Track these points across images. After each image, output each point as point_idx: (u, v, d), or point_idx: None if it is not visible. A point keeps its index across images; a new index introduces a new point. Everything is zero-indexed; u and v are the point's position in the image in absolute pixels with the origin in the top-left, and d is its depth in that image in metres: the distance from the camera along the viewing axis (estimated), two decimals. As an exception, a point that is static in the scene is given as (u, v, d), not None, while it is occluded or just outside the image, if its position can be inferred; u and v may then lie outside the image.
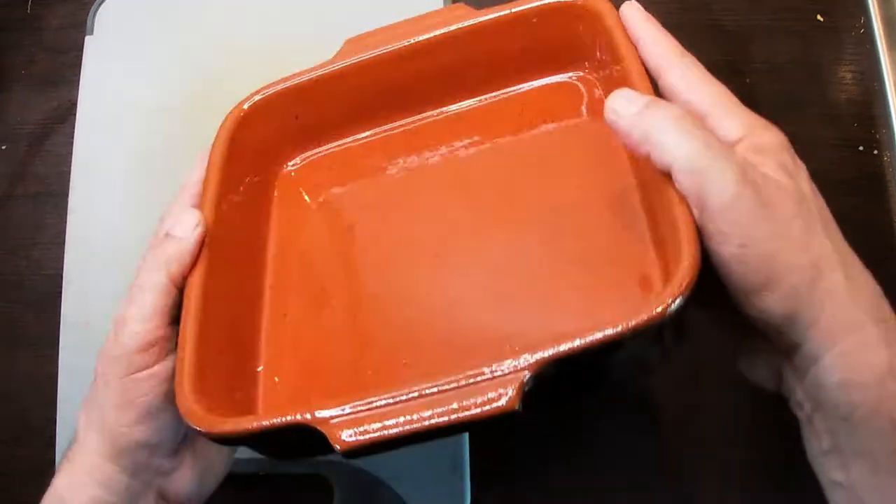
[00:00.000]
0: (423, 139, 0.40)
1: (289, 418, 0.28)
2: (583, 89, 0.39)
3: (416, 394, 0.27)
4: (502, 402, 0.25)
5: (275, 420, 0.28)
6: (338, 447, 0.27)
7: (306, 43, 0.51)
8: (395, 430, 0.26)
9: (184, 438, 0.33)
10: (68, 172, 0.50)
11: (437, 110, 0.40)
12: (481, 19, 0.37)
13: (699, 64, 0.31)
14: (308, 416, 0.27)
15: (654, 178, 0.29)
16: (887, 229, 0.48)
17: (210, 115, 0.50)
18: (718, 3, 0.52)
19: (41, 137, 0.52)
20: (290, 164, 0.42)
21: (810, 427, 0.27)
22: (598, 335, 0.26)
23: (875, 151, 0.49)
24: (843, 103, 0.50)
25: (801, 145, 0.51)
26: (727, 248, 0.26)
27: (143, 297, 0.32)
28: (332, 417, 0.27)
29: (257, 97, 0.39)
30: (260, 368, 0.36)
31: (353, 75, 0.39)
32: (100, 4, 0.53)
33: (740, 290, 0.26)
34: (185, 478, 0.33)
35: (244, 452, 0.45)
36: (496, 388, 0.26)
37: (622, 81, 0.33)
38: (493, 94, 0.40)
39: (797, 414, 0.28)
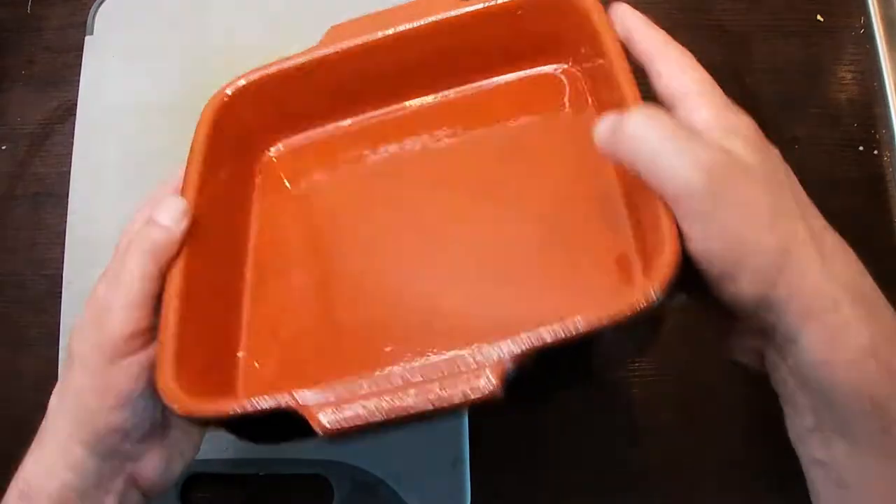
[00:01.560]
0: (405, 127, 0.40)
1: (271, 403, 0.28)
2: (566, 82, 0.39)
3: (399, 379, 0.28)
4: (485, 388, 0.26)
5: (257, 404, 0.28)
6: (319, 432, 0.26)
7: (306, 43, 0.51)
8: (377, 416, 0.26)
9: (154, 424, 0.33)
10: (68, 172, 0.50)
11: (420, 99, 0.41)
12: (466, 10, 0.37)
13: (685, 52, 0.31)
14: (290, 400, 0.28)
15: (633, 178, 0.30)
16: (887, 229, 0.48)
17: (210, 115, 0.50)
18: (718, 3, 0.52)
19: (41, 137, 0.52)
20: (271, 150, 0.42)
21: (793, 405, 0.27)
22: (581, 326, 0.26)
23: (875, 151, 0.49)
24: (843, 103, 0.50)
25: (801, 145, 0.51)
26: (691, 235, 0.26)
27: (131, 284, 0.32)
28: (314, 402, 0.27)
29: (240, 82, 0.39)
30: (241, 354, 0.37)
31: (336, 63, 0.38)
32: (100, 4, 0.53)
33: (710, 276, 0.26)
34: (153, 462, 0.33)
35: (243, 453, 0.45)
36: (479, 374, 0.26)
37: (606, 77, 0.33)
38: (477, 83, 0.40)
39: (780, 391, 0.27)
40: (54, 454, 0.32)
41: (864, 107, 0.50)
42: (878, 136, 0.50)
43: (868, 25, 0.51)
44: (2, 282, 0.50)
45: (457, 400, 0.26)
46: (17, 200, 0.52)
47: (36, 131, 0.52)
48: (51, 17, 0.55)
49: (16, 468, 0.48)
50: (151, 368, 0.31)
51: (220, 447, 0.45)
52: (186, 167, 0.36)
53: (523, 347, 0.26)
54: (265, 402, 0.28)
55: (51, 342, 0.47)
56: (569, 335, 0.26)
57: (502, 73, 0.40)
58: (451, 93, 0.40)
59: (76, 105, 0.51)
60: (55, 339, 0.47)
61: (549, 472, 0.45)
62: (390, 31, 0.37)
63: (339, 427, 0.26)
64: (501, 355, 0.26)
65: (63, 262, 0.48)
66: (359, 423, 0.26)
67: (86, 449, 0.31)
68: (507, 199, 0.37)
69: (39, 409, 0.47)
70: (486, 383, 0.26)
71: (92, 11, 0.53)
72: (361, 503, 0.44)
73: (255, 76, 0.39)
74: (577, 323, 0.26)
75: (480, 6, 0.37)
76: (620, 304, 0.26)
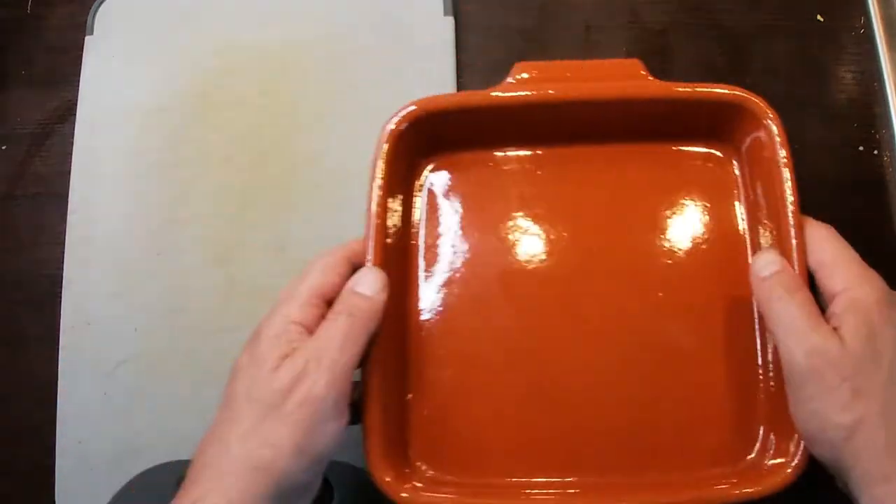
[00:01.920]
0: (566, 167, 0.43)
1: None
2: (729, 167, 0.42)
3: None
4: None
5: None
6: None
7: (306, 43, 0.51)
8: None
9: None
10: (68, 172, 0.50)
11: (586, 146, 0.43)
12: (659, 91, 0.40)
13: (826, 226, 0.37)
14: None
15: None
16: (887, 229, 0.48)
17: (209, 115, 0.50)
18: (718, 3, 0.52)
19: (41, 137, 0.52)
20: (427, 172, 0.43)
21: None
22: (738, 496, 0.36)
23: (875, 151, 0.49)
24: (843, 103, 0.50)
25: (802, 145, 0.51)
26: (789, 400, 0.34)
27: (342, 352, 0.33)
28: None
29: (411, 109, 0.40)
30: (409, 396, 0.40)
31: (526, 105, 0.40)
32: (100, 4, 0.53)
33: (801, 437, 0.35)
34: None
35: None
36: None
37: (767, 172, 0.39)
38: (644, 144, 0.43)
39: None
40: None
41: (864, 107, 0.50)
42: (878, 136, 0.50)
43: (868, 25, 0.51)
44: (2, 282, 0.50)
45: None
46: (17, 200, 0.52)
47: (36, 131, 0.52)
48: (51, 17, 0.55)
49: (16, 467, 0.48)
50: (343, 432, 0.34)
51: (220, 447, 0.45)
52: (367, 225, 0.38)
53: None
54: None
55: (51, 342, 0.47)
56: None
57: (670, 142, 0.43)
58: (615, 146, 0.42)
59: (76, 105, 0.51)
60: (55, 339, 0.47)
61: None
62: (583, 94, 0.40)
63: None
64: None
65: (63, 262, 0.48)
66: None
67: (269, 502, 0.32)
68: (653, 290, 0.41)
69: (39, 409, 0.47)
70: None
71: (92, 11, 0.53)
72: (361, 503, 0.43)
73: (430, 107, 0.40)
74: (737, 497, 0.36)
75: (674, 94, 0.40)
76: (773, 482, 0.36)
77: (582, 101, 0.40)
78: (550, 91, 0.40)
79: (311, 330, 0.34)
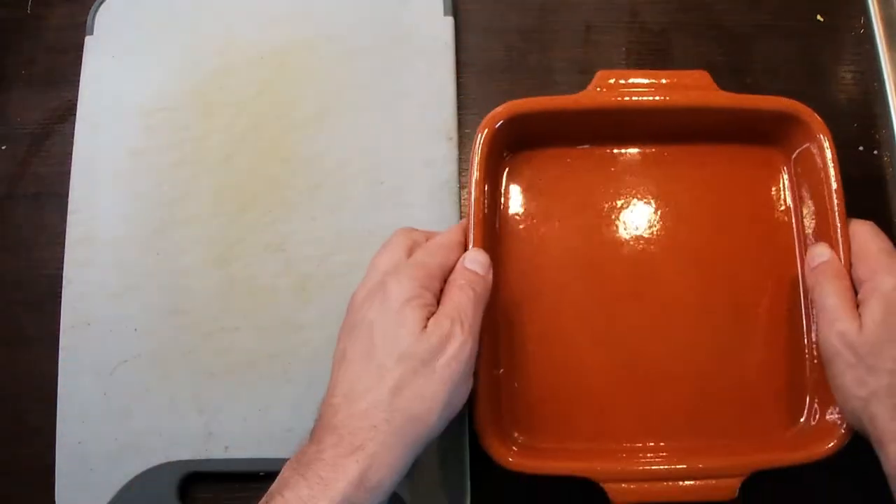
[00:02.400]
0: (637, 165, 0.47)
1: (580, 471, 0.40)
2: (779, 166, 0.46)
3: (671, 469, 0.40)
4: (730, 492, 0.39)
5: (565, 470, 0.40)
6: (616, 501, 0.39)
7: (306, 43, 0.51)
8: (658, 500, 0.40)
9: None
10: (68, 172, 0.50)
11: (656, 146, 0.47)
12: (726, 100, 0.44)
13: (867, 223, 0.41)
14: (592, 471, 0.40)
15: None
16: (887, 229, 0.48)
17: (209, 115, 0.50)
18: (718, 3, 0.52)
19: (41, 137, 0.52)
20: (508, 167, 0.47)
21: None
22: (793, 459, 0.40)
23: (875, 151, 0.49)
24: (843, 103, 0.50)
25: (801, 145, 0.50)
26: (827, 376, 0.40)
27: (478, 319, 0.37)
28: (613, 477, 0.40)
29: (503, 112, 0.43)
30: (500, 371, 0.44)
31: (602, 110, 0.44)
32: (100, 4, 0.53)
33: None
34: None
35: (243, 453, 0.45)
36: (726, 481, 0.40)
37: (817, 178, 0.43)
38: (705, 144, 0.47)
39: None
40: (397, 459, 0.34)
41: (864, 107, 0.50)
42: (878, 136, 0.50)
43: (868, 25, 0.51)
44: (2, 282, 0.50)
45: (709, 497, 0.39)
46: (17, 200, 0.52)
47: (36, 131, 0.52)
48: (51, 17, 0.55)
49: (16, 467, 0.48)
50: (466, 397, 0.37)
51: (219, 447, 0.45)
52: (469, 212, 0.42)
53: (755, 468, 0.39)
54: (573, 470, 0.40)
55: (51, 342, 0.47)
56: (781, 466, 0.40)
57: (727, 145, 0.47)
58: (678, 146, 0.47)
59: (76, 105, 0.51)
60: (55, 339, 0.47)
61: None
62: (659, 102, 0.44)
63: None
64: (743, 472, 0.39)
65: (63, 262, 0.48)
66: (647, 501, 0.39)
67: (413, 455, 0.35)
68: (711, 294, 0.45)
69: (39, 409, 0.47)
70: (730, 489, 0.39)
71: (92, 11, 0.53)
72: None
73: (524, 108, 0.44)
74: (791, 459, 0.40)
75: (739, 104, 0.44)
76: (820, 449, 0.40)
77: (657, 109, 0.44)
78: (632, 98, 0.44)
79: (436, 297, 0.37)
